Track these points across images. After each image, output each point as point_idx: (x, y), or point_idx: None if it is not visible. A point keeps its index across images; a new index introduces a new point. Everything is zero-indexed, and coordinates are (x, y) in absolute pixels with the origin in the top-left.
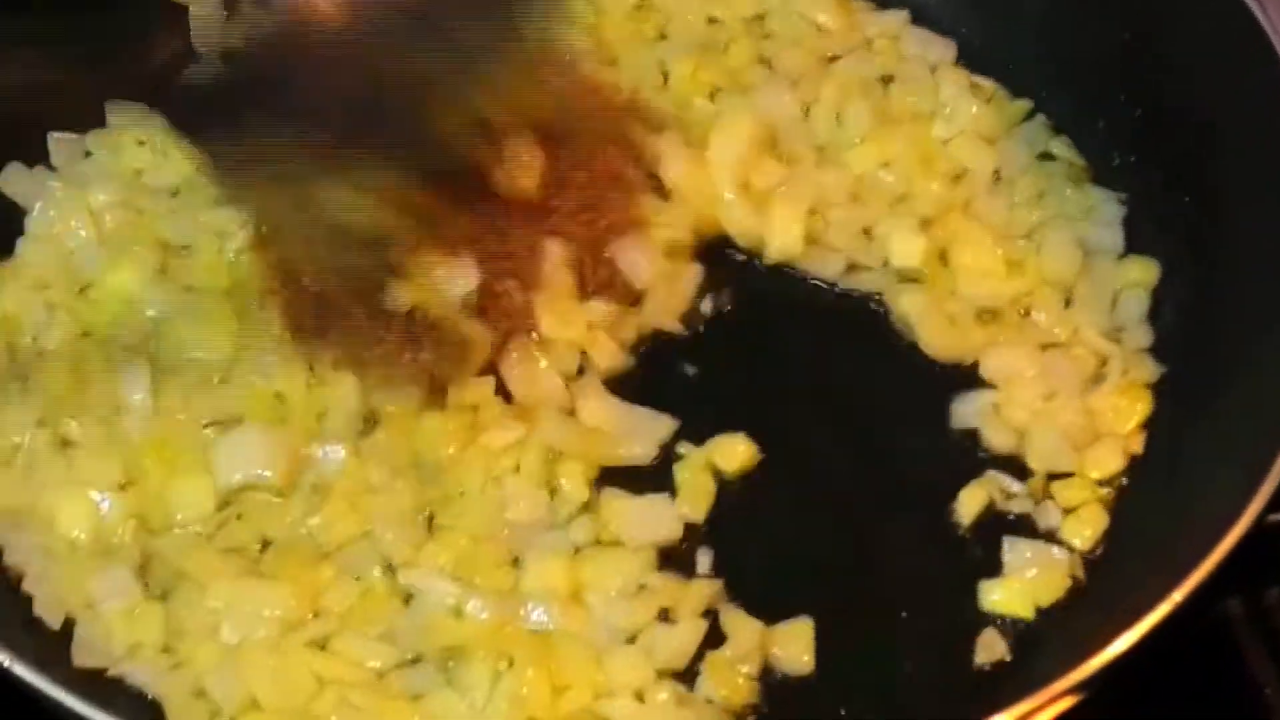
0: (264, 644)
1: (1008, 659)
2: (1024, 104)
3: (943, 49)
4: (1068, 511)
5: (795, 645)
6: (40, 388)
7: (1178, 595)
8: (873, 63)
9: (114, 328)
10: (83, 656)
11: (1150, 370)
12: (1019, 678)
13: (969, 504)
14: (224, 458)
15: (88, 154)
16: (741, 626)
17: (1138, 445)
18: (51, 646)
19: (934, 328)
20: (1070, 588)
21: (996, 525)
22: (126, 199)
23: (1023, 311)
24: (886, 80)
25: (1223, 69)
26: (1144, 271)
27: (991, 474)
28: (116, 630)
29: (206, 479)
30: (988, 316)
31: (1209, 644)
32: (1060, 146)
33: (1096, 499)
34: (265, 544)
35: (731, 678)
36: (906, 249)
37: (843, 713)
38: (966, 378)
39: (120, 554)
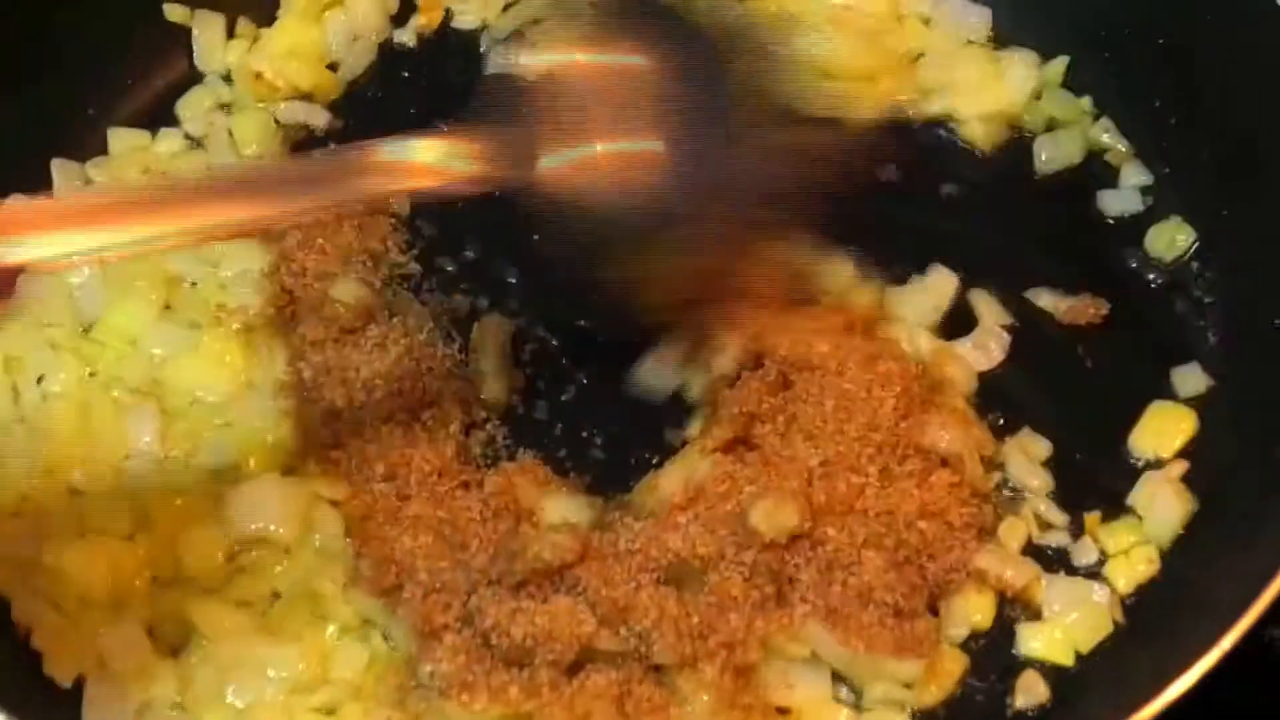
0: (272, 706)
1: (1049, 703)
2: None
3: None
4: (1114, 553)
5: None
6: (46, 433)
7: (1226, 642)
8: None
9: (118, 368)
10: (94, 716)
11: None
12: None
13: (1009, 538)
14: (236, 509)
15: (89, 182)
16: None
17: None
18: (61, 705)
19: None
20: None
21: (1036, 560)
22: None
23: None
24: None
25: (1261, 83)
26: None
27: (1030, 505)
28: (129, 688)
29: (217, 530)
30: None
31: (1250, 669)
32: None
33: (1146, 541)
34: (275, 595)
35: None
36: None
37: None
38: None
39: (131, 608)
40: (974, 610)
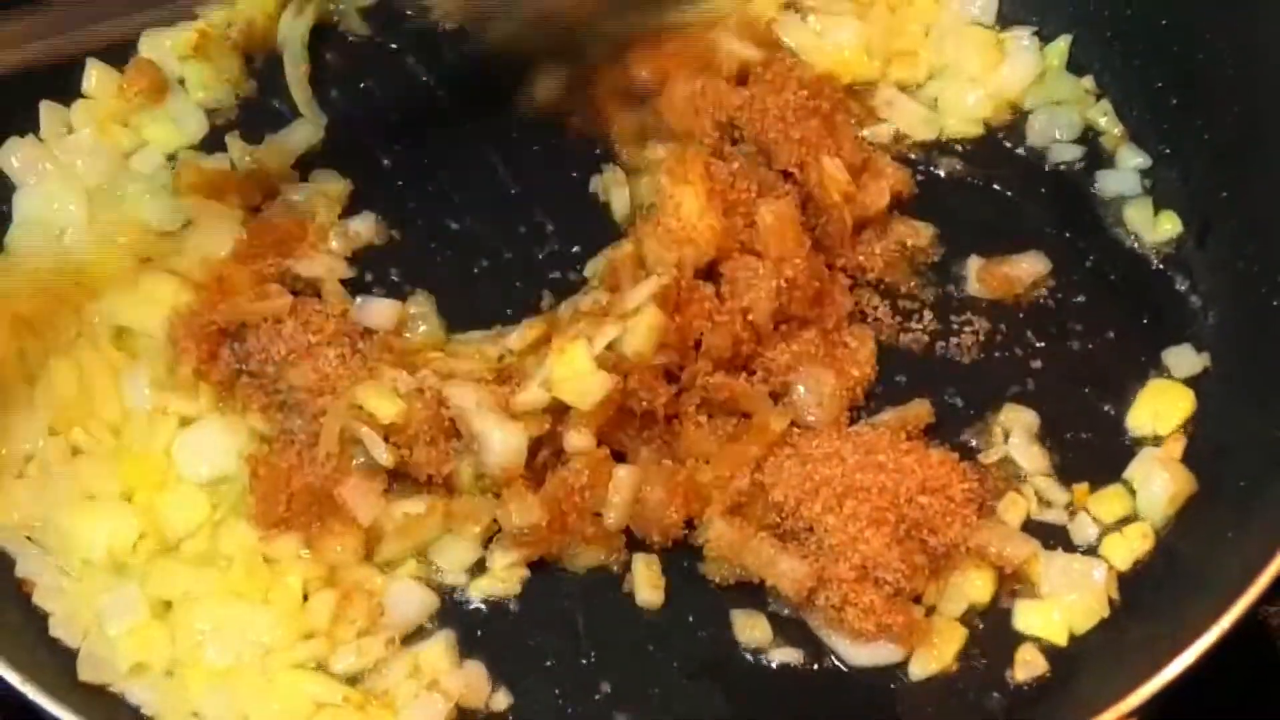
0: (253, 665)
1: (1048, 678)
2: None
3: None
4: (1110, 529)
5: None
6: (49, 392)
7: (1225, 621)
8: None
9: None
10: (88, 672)
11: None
12: (1061, 697)
13: (1009, 515)
14: (187, 455)
15: (71, 130)
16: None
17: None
18: (63, 661)
19: None
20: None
21: (1035, 536)
22: (112, 181)
23: None
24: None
25: (1262, 65)
26: None
27: (1031, 482)
28: (122, 649)
29: (189, 483)
30: None
31: (1246, 647)
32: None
33: (1140, 517)
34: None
35: None
36: None
37: None
38: None
39: (131, 571)
40: (973, 585)
